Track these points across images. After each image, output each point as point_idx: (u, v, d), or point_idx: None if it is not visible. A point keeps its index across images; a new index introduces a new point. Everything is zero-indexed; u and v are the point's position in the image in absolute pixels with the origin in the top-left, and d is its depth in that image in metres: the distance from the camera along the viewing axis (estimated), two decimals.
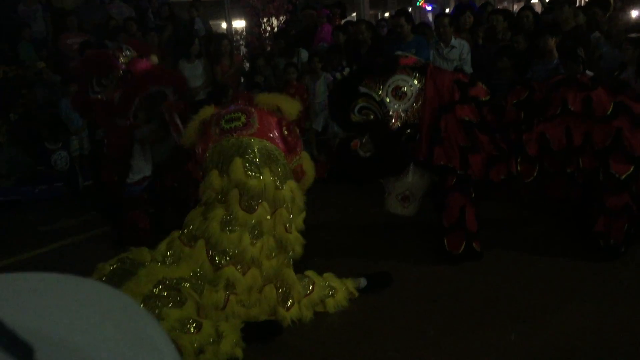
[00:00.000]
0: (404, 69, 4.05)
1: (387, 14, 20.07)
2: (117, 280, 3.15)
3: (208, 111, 3.74)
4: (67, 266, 4.23)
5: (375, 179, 4.46)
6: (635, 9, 5.41)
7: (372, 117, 4.04)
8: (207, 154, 3.59)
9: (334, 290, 3.66)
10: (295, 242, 3.49)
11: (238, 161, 3.40)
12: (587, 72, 5.00)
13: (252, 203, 3.38)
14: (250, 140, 3.46)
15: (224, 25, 14.87)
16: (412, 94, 4.00)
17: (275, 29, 10.37)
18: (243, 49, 11.01)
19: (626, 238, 4.02)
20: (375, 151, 4.09)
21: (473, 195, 4.10)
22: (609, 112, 3.87)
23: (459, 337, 3.24)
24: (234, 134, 3.49)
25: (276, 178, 3.43)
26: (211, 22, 12.02)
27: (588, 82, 4.05)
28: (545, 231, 4.66)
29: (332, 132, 6.82)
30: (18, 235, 5.73)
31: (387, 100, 3.97)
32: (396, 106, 3.96)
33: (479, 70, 6.41)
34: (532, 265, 4.11)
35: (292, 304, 3.46)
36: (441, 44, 6.85)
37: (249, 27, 11.51)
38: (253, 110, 3.58)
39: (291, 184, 3.52)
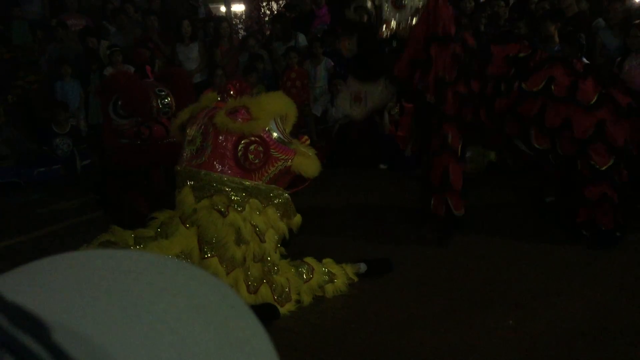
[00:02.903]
0: None
1: None
2: None
3: (186, 113, 3.67)
4: (64, 249, 4.20)
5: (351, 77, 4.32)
6: None
7: (365, 19, 3.99)
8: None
9: (333, 276, 3.66)
10: (271, 250, 3.46)
11: (186, 190, 3.42)
12: (584, 59, 4.97)
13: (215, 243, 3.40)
14: (199, 172, 3.41)
15: (223, 9, 14.77)
16: (412, 9, 3.92)
17: (275, 12, 10.30)
18: (242, 32, 10.95)
19: (617, 224, 4.02)
20: (356, 54, 4.01)
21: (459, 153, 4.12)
22: (592, 102, 3.86)
23: (457, 321, 3.25)
24: (189, 162, 3.46)
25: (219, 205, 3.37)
26: (211, 6, 11.94)
27: (581, 68, 4.03)
28: (542, 218, 4.66)
29: (331, 117, 6.80)
30: (16, 218, 5.72)
31: (386, 7, 3.88)
32: (392, 15, 3.88)
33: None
34: (530, 251, 4.11)
35: (286, 298, 3.47)
36: None
37: (248, 11, 11.44)
38: (211, 130, 3.40)
39: (254, 203, 3.39)
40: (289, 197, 3.55)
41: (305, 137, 3.95)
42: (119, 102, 4.57)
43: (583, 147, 3.87)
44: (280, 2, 10.57)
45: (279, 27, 8.09)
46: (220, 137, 3.37)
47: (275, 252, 3.50)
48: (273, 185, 3.47)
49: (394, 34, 3.93)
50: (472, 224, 4.55)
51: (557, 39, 5.69)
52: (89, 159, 7.14)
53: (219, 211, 3.31)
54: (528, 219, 4.65)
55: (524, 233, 4.40)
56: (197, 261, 3.29)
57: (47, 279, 0.42)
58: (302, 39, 7.79)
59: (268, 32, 9.73)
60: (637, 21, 4.85)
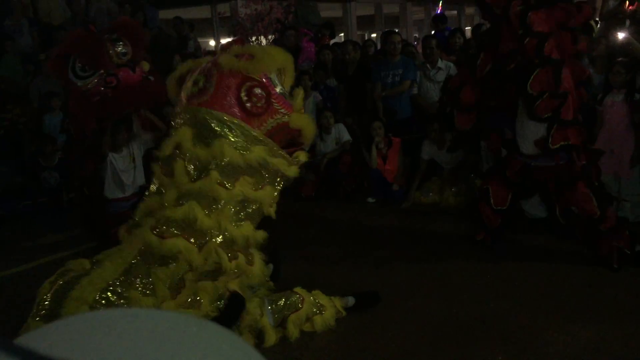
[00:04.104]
0: None
1: (373, 35, 20.28)
2: (60, 293, 3.03)
3: (186, 66, 3.56)
4: None
5: None
6: (619, 32, 5.51)
7: None
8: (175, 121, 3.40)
9: (322, 308, 3.64)
10: (265, 197, 3.27)
11: (185, 130, 3.22)
12: None
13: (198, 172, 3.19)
14: (200, 109, 3.24)
15: (212, 43, 14.94)
16: None
17: None
18: None
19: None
20: None
21: None
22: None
23: (446, 357, 3.24)
24: (190, 101, 3.31)
25: (231, 146, 3.18)
26: (200, 40, 12.06)
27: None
28: (535, 248, 4.69)
29: (319, 151, 6.85)
30: (1, 251, 5.65)
31: None
32: None
33: None
34: (522, 283, 4.12)
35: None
36: (428, 65, 6.94)
37: None
38: (215, 71, 3.28)
39: (257, 150, 3.19)
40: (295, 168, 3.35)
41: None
42: (77, 63, 4.54)
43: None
44: (269, 37, 10.71)
45: None
46: (224, 77, 3.24)
47: (271, 207, 3.33)
48: (272, 142, 3.28)
49: None
50: (460, 256, 4.58)
51: None
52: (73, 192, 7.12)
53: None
54: (518, 253, 4.67)
55: (514, 267, 4.41)
56: (158, 248, 3.08)
57: (77, 339, 0.43)
58: None
59: None
60: (620, 59, 4.97)
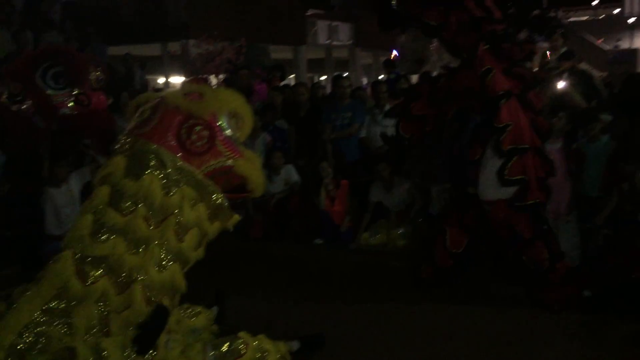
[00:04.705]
0: None
1: (323, 77, 20.67)
2: None
3: (144, 98, 3.43)
4: None
5: None
6: (560, 84, 5.78)
7: None
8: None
9: (266, 354, 3.56)
10: (189, 250, 3.14)
11: (119, 159, 3.09)
12: None
13: (127, 205, 3.03)
14: (138, 140, 3.15)
15: (161, 80, 14.88)
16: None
17: (214, 87, 10.45)
18: None
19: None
20: None
21: None
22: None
23: None
24: (131, 131, 3.22)
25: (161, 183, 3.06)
26: (149, 77, 12.00)
27: None
28: (480, 290, 4.75)
29: (268, 191, 6.83)
30: None
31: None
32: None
33: None
34: (467, 324, 4.16)
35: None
36: (377, 109, 7.10)
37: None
38: (161, 106, 3.21)
39: (186, 190, 3.10)
40: (226, 201, 3.24)
41: None
42: (53, 71, 4.59)
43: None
44: (220, 77, 10.74)
45: None
46: (168, 112, 3.16)
47: (195, 252, 3.19)
48: (210, 181, 3.18)
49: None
50: (406, 297, 4.61)
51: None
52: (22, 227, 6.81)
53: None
54: (462, 293, 4.73)
55: (458, 307, 4.46)
56: (80, 291, 2.89)
57: None
58: None
59: None
60: (561, 114, 5.19)
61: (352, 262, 5.81)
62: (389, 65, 9.64)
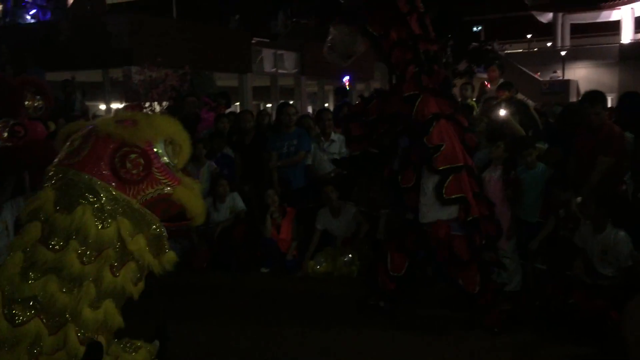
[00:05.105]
0: None
1: (269, 105, 20.74)
2: None
3: (74, 126, 3.30)
4: None
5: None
6: (499, 112, 5.96)
7: None
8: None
9: None
10: (127, 284, 3.01)
11: (48, 192, 2.95)
12: None
13: (58, 241, 2.89)
14: (69, 170, 3.01)
15: (102, 107, 14.58)
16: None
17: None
18: None
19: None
20: None
21: None
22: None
23: None
24: (61, 162, 3.07)
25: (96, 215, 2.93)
26: (90, 104, 11.74)
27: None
28: (428, 314, 4.79)
29: (213, 221, 6.73)
30: None
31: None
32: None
33: None
34: (414, 350, 4.18)
35: None
36: (322, 137, 7.15)
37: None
38: (93, 134, 3.08)
39: (123, 222, 2.98)
40: (164, 231, 3.11)
41: None
42: None
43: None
44: (164, 104, 10.59)
45: None
46: (100, 141, 3.02)
47: (134, 286, 3.04)
48: (148, 210, 3.06)
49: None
50: (351, 324, 4.59)
51: None
52: None
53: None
54: (410, 318, 4.75)
55: (405, 332, 4.48)
56: (9, 333, 2.74)
57: None
58: None
59: None
60: (500, 142, 5.35)
61: (298, 290, 5.76)
62: (341, 92, 9.78)
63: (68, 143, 3.11)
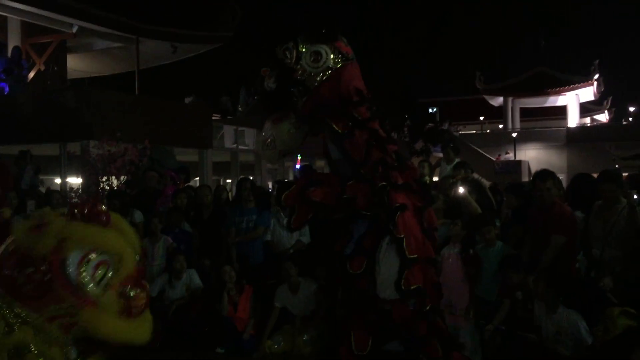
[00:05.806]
0: (334, 46, 4.40)
1: (229, 180, 20.74)
2: None
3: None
4: None
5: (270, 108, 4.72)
6: (457, 190, 6.10)
7: (287, 60, 4.41)
8: None
9: None
10: None
11: None
12: None
13: None
14: None
15: (58, 181, 14.28)
16: (323, 65, 4.38)
17: (115, 188, 10.14)
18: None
19: None
20: (274, 86, 4.49)
21: None
22: None
23: None
24: None
25: None
26: (44, 177, 11.51)
27: None
28: None
29: (167, 298, 6.53)
30: None
31: (304, 57, 4.38)
32: (307, 65, 4.38)
33: None
34: None
35: None
36: (281, 213, 7.13)
37: (85, 185, 11.14)
38: (8, 240, 2.77)
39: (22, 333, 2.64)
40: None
41: None
42: None
43: None
44: (122, 178, 10.45)
45: (117, 203, 7.90)
46: (7, 252, 2.67)
47: None
48: (56, 328, 2.64)
49: (304, 80, 4.38)
50: None
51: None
52: None
53: None
54: None
55: None
56: None
57: None
58: (138, 216, 7.60)
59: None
60: (457, 220, 5.43)
61: None
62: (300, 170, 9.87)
63: None
